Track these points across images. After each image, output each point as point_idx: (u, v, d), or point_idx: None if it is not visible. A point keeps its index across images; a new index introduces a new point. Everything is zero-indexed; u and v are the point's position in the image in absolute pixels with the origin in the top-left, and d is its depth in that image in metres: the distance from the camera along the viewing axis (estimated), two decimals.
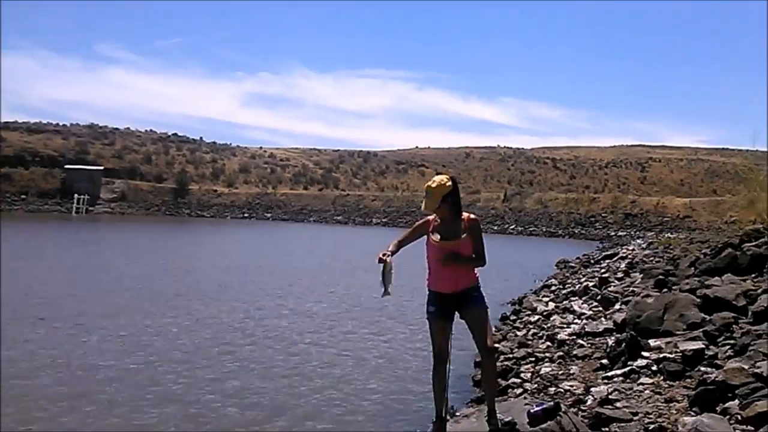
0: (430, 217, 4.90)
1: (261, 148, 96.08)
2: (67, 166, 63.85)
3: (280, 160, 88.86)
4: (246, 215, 65.98)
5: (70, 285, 16.19)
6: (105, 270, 19.56)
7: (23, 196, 59.04)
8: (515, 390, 7.54)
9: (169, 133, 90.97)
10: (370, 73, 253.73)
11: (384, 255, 4.72)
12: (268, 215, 66.14)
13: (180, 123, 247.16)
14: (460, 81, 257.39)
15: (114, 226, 46.02)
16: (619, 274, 16.28)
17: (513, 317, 13.32)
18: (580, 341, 9.03)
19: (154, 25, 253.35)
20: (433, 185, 4.78)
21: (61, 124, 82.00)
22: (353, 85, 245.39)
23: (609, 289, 13.20)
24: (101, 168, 65.83)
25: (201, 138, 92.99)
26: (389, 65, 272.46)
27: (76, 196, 58.98)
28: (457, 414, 6.31)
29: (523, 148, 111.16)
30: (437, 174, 4.98)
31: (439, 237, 4.80)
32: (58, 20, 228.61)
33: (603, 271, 18.92)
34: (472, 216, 4.85)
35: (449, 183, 4.78)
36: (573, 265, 24.85)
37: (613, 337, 8.43)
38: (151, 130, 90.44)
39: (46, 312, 12.30)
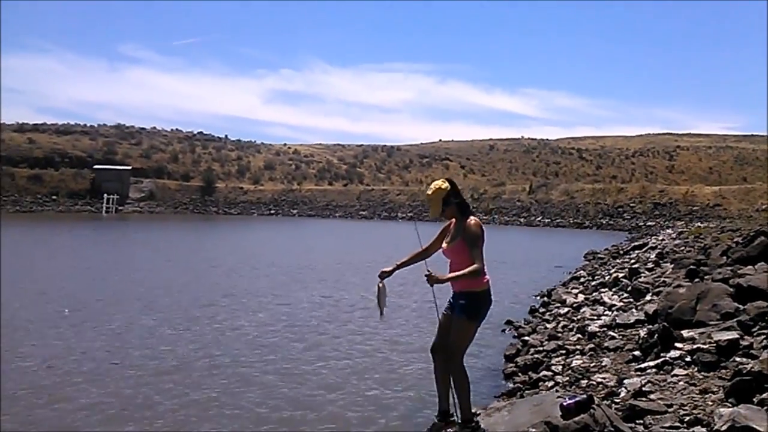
0: (449, 221, 4.96)
1: (285, 144, 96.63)
2: (95, 167, 64.79)
3: (305, 157, 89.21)
4: (272, 212, 66.39)
5: (131, 284, 16.46)
6: (145, 269, 19.87)
7: (54, 197, 60.03)
8: (546, 383, 7.52)
9: (195, 132, 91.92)
10: (390, 67, 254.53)
11: (381, 275, 4.87)
12: (294, 211, 66.52)
13: (204, 121, 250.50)
14: (481, 73, 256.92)
15: (146, 224, 46.52)
16: (650, 265, 16.10)
17: (542, 310, 13.26)
18: (611, 333, 8.97)
19: (175, 24, 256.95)
20: (430, 192, 4.84)
21: (88, 125, 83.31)
22: (374, 80, 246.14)
23: (639, 279, 13.07)
24: (129, 168, 66.70)
25: (226, 136, 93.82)
26: (409, 59, 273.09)
27: (105, 195, 59.82)
28: (489, 407, 6.31)
29: (547, 139, 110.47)
30: (438, 181, 4.93)
31: (449, 239, 4.86)
32: (80, 22, 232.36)
33: (633, 261, 18.73)
34: (473, 221, 4.75)
35: (445, 185, 4.82)
36: (602, 256, 24.63)
37: (644, 329, 8.36)
38: (176, 129, 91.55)
39: (108, 313, 12.52)
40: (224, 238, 37.48)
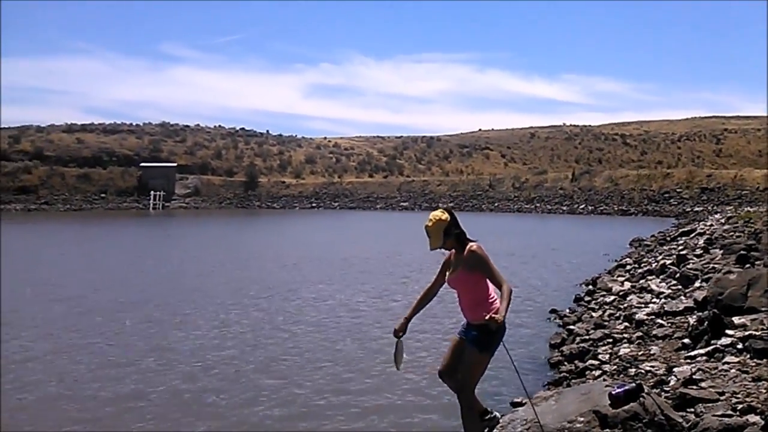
0: (449, 252, 4.83)
1: (325, 138, 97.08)
2: (142, 164, 66.29)
3: (345, 149, 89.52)
4: (314, 205, 66.89)
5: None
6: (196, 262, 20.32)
7: (103, 195, 61.63)
8: (593, 372, 7.47)
9: (237, 128, 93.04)
10: (427, 57, 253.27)
11: (396, 333, 4.78)
12: (335, 204, 66.88)
13: (246, 117, 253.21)
14: (520, 60, 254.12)
15: (193, 220, 47.36)
16: (698, 251, 15.76)
17: (587, 298, 13.13)
18: (659, 321, 8.84)
19: (215, 22, 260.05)
20: (430, 224, 4.68)
21: (134, 124, 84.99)
22: (412, 71, 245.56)
23: (688, 266, 12.81)
24: (175, 165, 67.99)
25: (267, 131, 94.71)
26: (447, 48, 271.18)
27: (152, 192, 61.17)
28: (536, 397, 6.30)
29: (590, 126, 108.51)
30: (438, 212, 4.76)
31: (451, 270, 4.77)
32: (122, 23, 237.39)
33: (680, 248, 18.36)
34: (473, 247, 4.64)
35: (445, 216, 4.69)
36: (648, 243, 24.21)
37: (694, 316, 8.23)
38: (219, 126, 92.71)
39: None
40: (272, 232, 37.92)
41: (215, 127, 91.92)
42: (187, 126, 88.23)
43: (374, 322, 11.53)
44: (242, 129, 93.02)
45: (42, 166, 61.75)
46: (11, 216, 47.56)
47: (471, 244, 4.66)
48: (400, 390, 7.70)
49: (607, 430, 4.53)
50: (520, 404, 6.49)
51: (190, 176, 67.90)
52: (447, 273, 4.81)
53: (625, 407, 4.56)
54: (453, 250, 4.78)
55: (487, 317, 4.30)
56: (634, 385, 4.78)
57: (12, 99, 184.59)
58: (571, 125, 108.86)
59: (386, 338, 10.13)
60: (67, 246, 26.43)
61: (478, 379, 4.73)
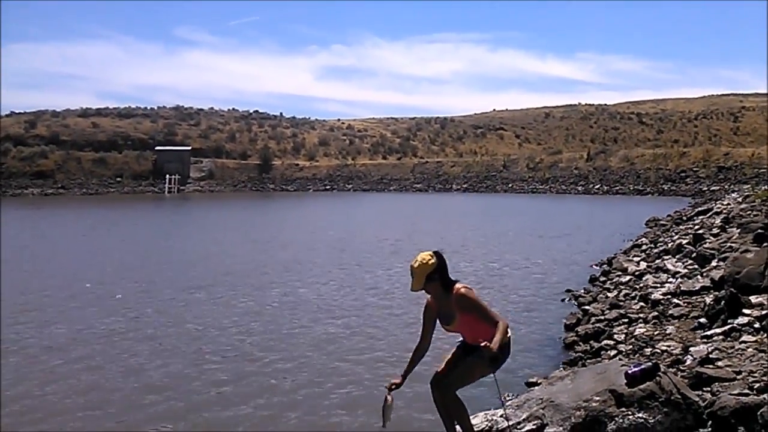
0: (429, 298, 4.64)
1: (339, 120, 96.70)
2: (157, 148, 66.36)
3: (358, 131, 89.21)
4: (328, 187, 66.88)
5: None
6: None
7: (118, 179, 61.93)
8: (608, 352, 7.49)
9: (251, 111, 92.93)
10: (440, 37, 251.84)
11: (390, 387, 4.53)
12: (349, 186, 66.85)
13: (260, 100, 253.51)
14: (534, 39, 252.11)
15: (209, 203, 47.62)
16: (715, 230, 15.63)
17: (603, 278, 13.11)
18: (675, 300, 8.82)
19: (227, 5, 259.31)
20: (416, 265, 4.49)
21: (148, 107, 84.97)
22: (425, 51, 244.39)
23: (704, 246, 12.73)
24: (189, 148, 68.04)
25: (281, 114, 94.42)
26: (459, 28, 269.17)
27: (167, 176, 61.31)
28: (551, 376, 6.33)
29: (605, 105, 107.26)
30: (426, 254, 4.50)
31: (447, 322, 4.59)
32: (136, 7, 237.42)
33: (697, 227, 18.22)
34: (461, 290, 4.45)
35: (432, 260, 4.48)
36: (664, 222, 24.06)
37: (710, 295, 8.20)
38: (233, 109, 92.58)
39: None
40: (291, 215, 38.05)
41: (229, 110, 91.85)
42: (201, 109, 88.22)
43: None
44: (256, 112, 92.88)
45: (58, 151, 62.09)
46: (29, 201, 48.05)
47: (457, 286, 4.48)
48: None
49: (623, 408, 4.54)
50: (535, 384, 6.53)
51: (204, 160, 68.01)
52: (443, 324, 4.61)
53: (642, 386, 4.56)
54: (433, 297, 4.59)
55: (483, 344, 4.19)
56: (650, 364, 4.78)
57: (28, 84, 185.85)
58: (586, 104, 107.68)
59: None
60: (107, 233, 26.69)
61: (465, 385, 4.59)
